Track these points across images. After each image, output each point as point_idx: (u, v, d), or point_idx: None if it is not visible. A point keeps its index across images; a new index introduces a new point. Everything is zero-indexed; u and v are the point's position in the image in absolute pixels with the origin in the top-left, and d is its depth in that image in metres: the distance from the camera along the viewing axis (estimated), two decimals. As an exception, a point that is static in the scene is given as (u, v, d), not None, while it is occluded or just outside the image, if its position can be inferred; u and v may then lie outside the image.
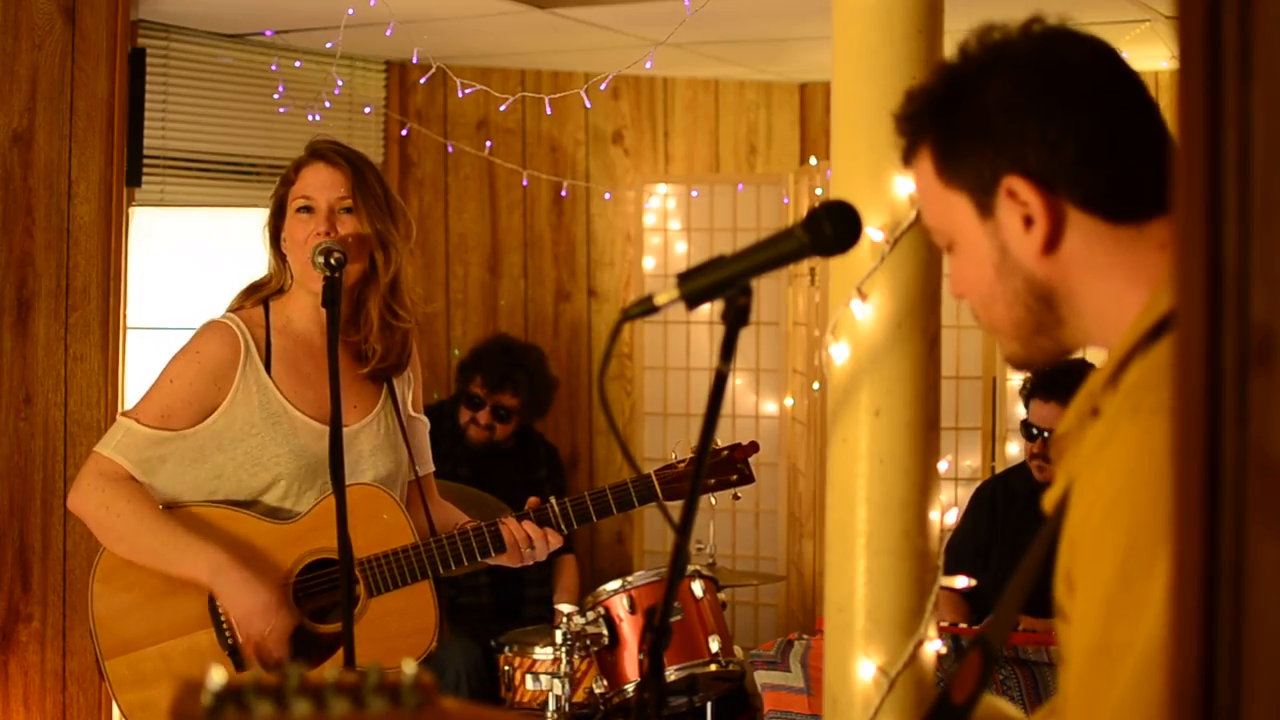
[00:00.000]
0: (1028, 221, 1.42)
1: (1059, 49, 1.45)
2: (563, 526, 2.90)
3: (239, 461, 2.83)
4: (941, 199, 1.48)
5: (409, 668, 1.01)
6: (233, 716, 0.98)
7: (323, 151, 2.88)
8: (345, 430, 2.78)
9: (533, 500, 2.94)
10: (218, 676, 0.98)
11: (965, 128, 1.44)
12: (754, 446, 3.06)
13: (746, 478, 3.04)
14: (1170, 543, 1.23)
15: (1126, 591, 1.25)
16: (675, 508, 1.67)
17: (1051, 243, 1.42)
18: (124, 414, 2.89)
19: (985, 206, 1.44)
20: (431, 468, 3.10)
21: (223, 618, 2.81)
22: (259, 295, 2.93)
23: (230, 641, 2.81)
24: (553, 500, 2.92)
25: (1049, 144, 1.40)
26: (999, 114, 1.42)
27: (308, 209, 2.84)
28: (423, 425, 3.07)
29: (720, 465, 3.02)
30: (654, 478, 2.93)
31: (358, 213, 2.84)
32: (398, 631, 2.81)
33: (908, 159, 1.52)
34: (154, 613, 2.83)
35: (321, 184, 2.84)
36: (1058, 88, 1.42)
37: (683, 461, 2.99)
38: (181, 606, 2.82)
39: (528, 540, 2.87)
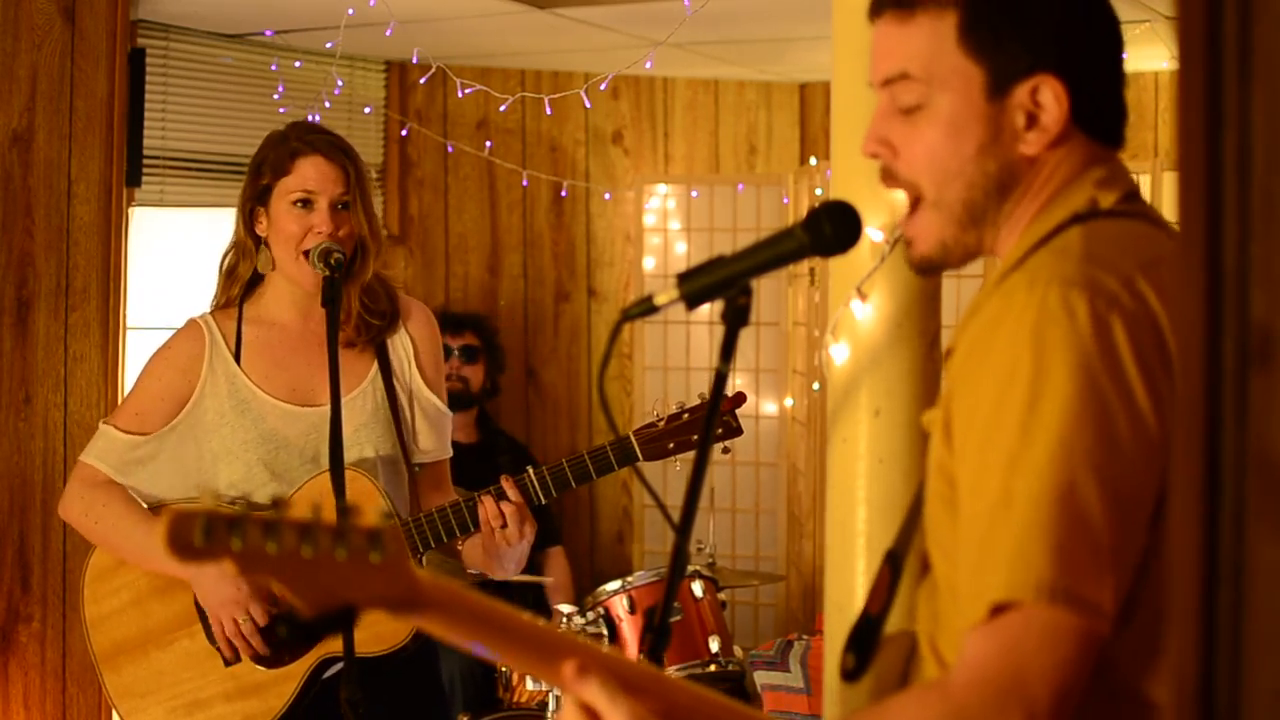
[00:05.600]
0: (1030, 119, 1.45)
1: None
2: (540, 496, 2.77)
3: (215, 453, 2.82)
4: (947, 62, 1.48)
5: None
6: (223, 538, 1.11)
7: (320, 145, 2.82)
8: (324, 409, 2.74)
9: (506, 478, 2.80)
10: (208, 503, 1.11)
11: (1021, 10, 1.46)
12: (740, 397, 2.89)
13: (733, 430, 2.89)
14: (1069, 401, 1.29)
15: (1020, 411, 1.32)
16: (675, 507, 1.66)
17: (1055, 143, 1.46)
18: (104, 420, 2.94)
19: (1000, 89, 1.46)
20: (445, 454, 2.97)
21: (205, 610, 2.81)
22: (238, 282, 2.90)
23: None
24: (530, 470, 2.79)
25: (1090, 58, 1.46)
26: (1063, 11, 1.46)
27: (307, 203, 2.80)
28: (434, 407, 2.93)
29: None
30: (633, 438, 2.81)
31: (354, 209, 2.81)
32: (367, 623, 2.62)
33: (905, 4, 1.51)
34: (142, 614, 2.84)
35: (323, 179, 2.80)
36: (1106, 12, 1.50)
37: (662, 420, 2.84)
38: (168, 606, 2.83)
39: (498, 516, 2.72)
